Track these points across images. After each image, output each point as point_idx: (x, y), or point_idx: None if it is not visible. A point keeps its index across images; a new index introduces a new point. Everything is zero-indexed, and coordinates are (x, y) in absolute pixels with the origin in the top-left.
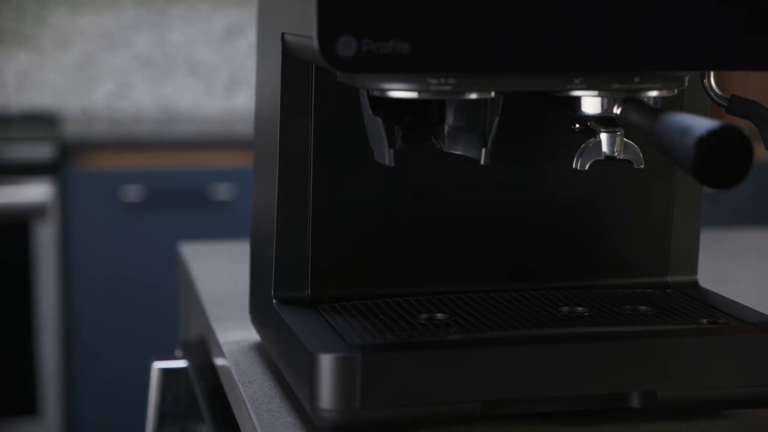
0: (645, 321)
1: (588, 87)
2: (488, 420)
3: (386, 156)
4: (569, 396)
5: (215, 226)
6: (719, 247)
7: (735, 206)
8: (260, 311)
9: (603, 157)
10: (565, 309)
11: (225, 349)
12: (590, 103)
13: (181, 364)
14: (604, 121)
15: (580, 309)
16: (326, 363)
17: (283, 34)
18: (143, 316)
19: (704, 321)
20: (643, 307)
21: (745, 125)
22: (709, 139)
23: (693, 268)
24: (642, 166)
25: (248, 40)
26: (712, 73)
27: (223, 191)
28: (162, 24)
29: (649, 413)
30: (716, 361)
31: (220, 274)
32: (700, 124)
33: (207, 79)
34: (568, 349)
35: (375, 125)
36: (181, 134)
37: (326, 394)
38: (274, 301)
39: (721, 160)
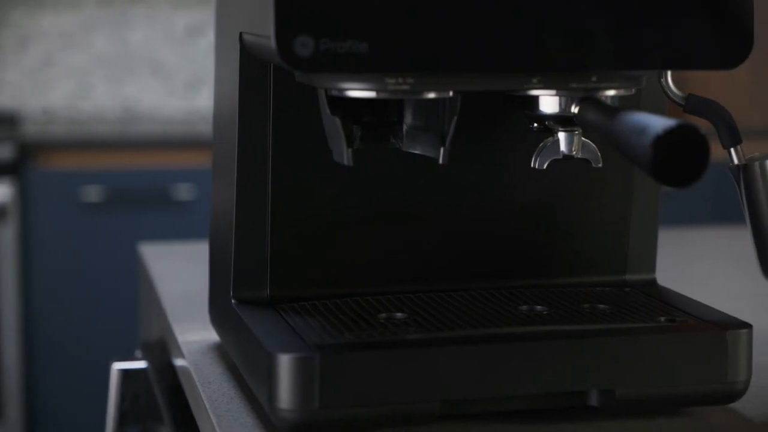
0: (603, 319)
1: (546, 86)
2: (448, 419)
3: (345, 156)
4: (528, 395)
5: (176, 227)
6: (678, 246)
7: (695, 205)
8: (219, 311)
9: (561, 156)
10: (524, 308)
11: (184, 349)
12: (548, 103)
13: (140, 364)
14: (562, 120)
15: (539, 308)
16: (285, 363)
17: (241, 33)
18: (103, 316)
19: (662, 319)
20: (601, 306)
21: (703, 124)
22: (666, 137)
23: (651, 267)
24: (600, 165)
25: (209, 39)
26: (669, 73)
27: (184, 191)
28: (122, 24)
29: (608, 411)
30: (674, 359)
31: (180, 275)
32: (658, 122)
33: (168, 79)
34: (527, 347)
35: (333, 125)
36: (142, 134)
37: (285, 394)
38: (233, 301)
39: (678, 159)
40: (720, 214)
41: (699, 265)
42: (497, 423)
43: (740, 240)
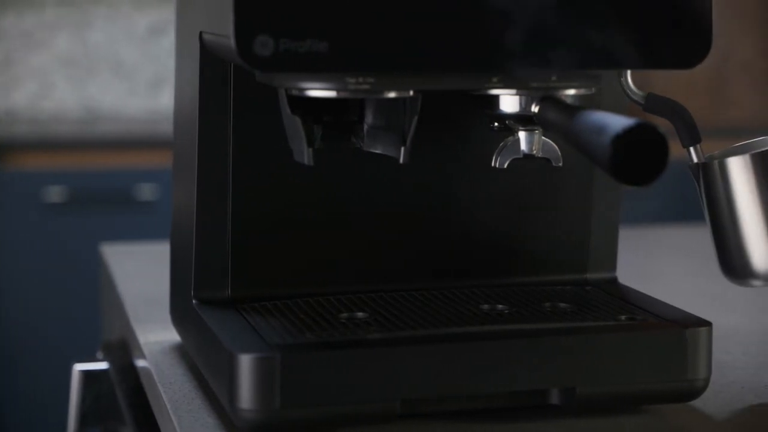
0: (564, 318)
1: (506, 86)
2: (409, 418)
3: (305, 155)
4: (489, 393)
5: (139, 227)
6: (640, 245)
7: (657, 204)
8: (180, 312)
9: (521, 156)
10: (486, 307)
11: (146, 350)
12: (508, 102)
13: (102, 366)
14: (523, 119)
15: (500, 306)
16: (245, 363)
17: (201, 33)
18: (65, 317)
19: (623, 317)
20: (562, 304)
21: (663, 123)
22: (624, 136)
23: (612, 265)
24: (560, 164)
25: (171, 39)
26: (628, 72)
27: (147, 191)
28: (84, 24)
29: (569, 410)
30: (634, 357)
31: (141, 275)
32: (617, 122)
33: (130, 79)
34: (488, 346)
35: (294, 124)
36: (104, 134)
37: (246, 394)
38: (194, 301)
39: (637, 158)
40: (683, 213)
41: (660, 263)
42: (459, 422)
43: (701, 238)
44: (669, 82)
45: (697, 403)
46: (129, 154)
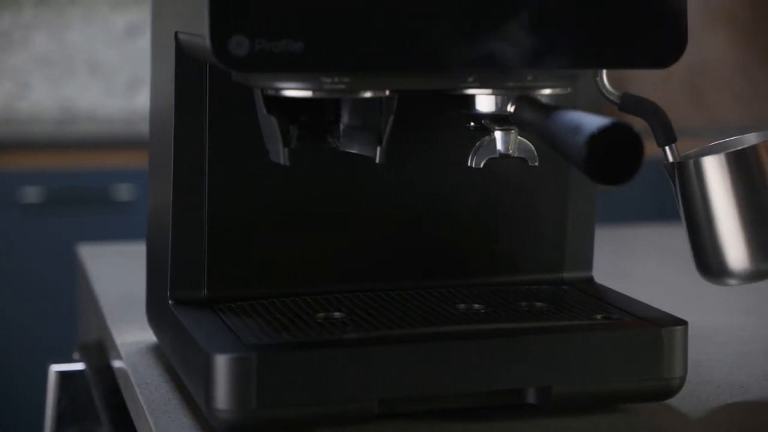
0: (540, 317)
1: (482, 85)
2: (386, 418)
3: (281, 155)
4: (466, 393)
5: (117, 227)
6: (616, 244)
7: (634, 203)
8: (157, 312)
9: (498, 155)
10: (462, 306)
11: (122, 351)
12: (484, 102)
13: (78, 366)
14: (498, 119)
15: (476, 306)
16: (221, 363)
17: (176, 33)
18: (42, 318)
19: (599, 317)
20: (538, 304)
21: (638, 122)
22: (600, 136)
23: (588, 265)
24: (536, 164)
25: (148, 39)
26: (604, 72)
27: (124, 192)
28: (61, 24)
29: (545, 409)
30: (610, 357)
31: (118, 276)
32: (592, 121)
33: (107, 79)
34: (465, 346)
35: (270, 125)
36: (81, 134)
37: (222, 395)
38: (170, 301)
39: (612, 157)
40: (660, 212)
41: (637, 262)
42: (436, 422)
43: (678, 238)
44: (646, 80)
45: (673, 402)
46: (106, 154)
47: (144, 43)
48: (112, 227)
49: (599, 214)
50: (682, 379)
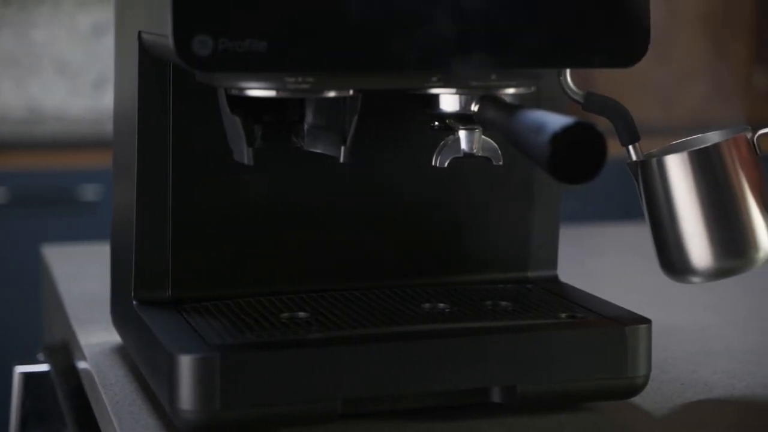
0: (505, 316)
1: (445, 85)
2: (351, 418)
3: (245, 155)
4: (431, 392)
5: (84, 228)
6: (582, 243)
7: (598, 202)
8: (121, 313)
9: (462, 155)
10: (427, 306)
11: (86, 351)
12: (448, 101)
13: (43, 368)
14: (463, 118)
15: (441, 305)
16: (185, 363)
17: (139, 32)
18: (6, 319)
19: (563, 315)
20: (503, 303)
21: (602, 122)
22: (562, 135)
23: (553, 264)
24: (501, 163)
25: None
26: (568, 71)
27: (90, 192)
28: (26, 23)
29: (510, 408)
30: (575, 355)
31: (83, 277)
32: (555, 120)
33: (74, 78)
34: (429, 345)
35: (234, 124)
36: (47, 134)
37: (186, 395)
38: (134, 302)
39: (575, 157)
40: (623, 211)
41: (602, 261)
42: (400, 421)
43: (642, 236)
44: (612, 79)
45: (637, 399)
46: (72, 154)
47: (110, 42)
48: (78, 227)
49: (564, 213)
50: (646, 377)
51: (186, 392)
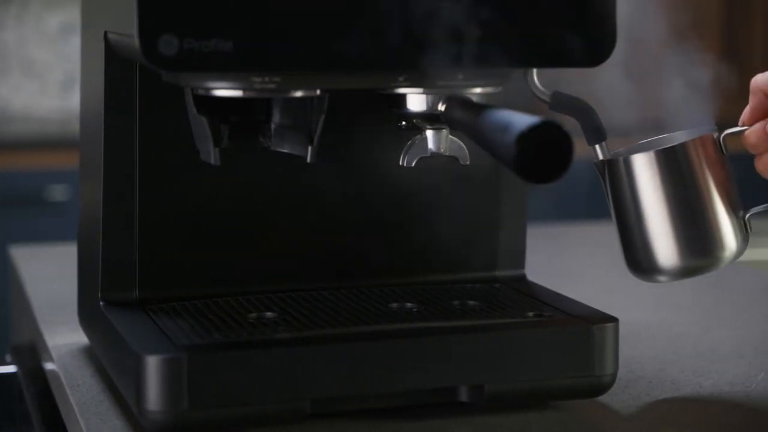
0: (472, 315)
1: (412, 84)
2: (319, 418)
3: (212, 155)
4: (398, 391)
5: (52, 228)
6: (550, 242)
7: (566, 201)
8: (88, 313)
9: (429, 154)
10: (395, 305)
11: (54, 353)
12: (415, 101)
13: (10, 369)
14: (429, 118)
15: (409, 305)
16: (152, 364)
17: (105, 32)
18: None
19: (531, 314)
20: (471, 302)
21: (569, 121)
22: (529, 135)
23: (520, 263)
24: (467, 163)
25: None
26: (534, 70)
27: (58, 192)
28: None
29: (478, 407)
30: (542, 354)
31: (50, 278)
32: (521, 120)
33: (42, 79)
34: (397, 344)
35: (200, 124)
36: (15, 135)
37: (153, 396)
38: (101, 303)
39: (541, 156)
40: (593, 210)
41: (570, 260)
42: (368, 421)
43: (610, 235)
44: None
45: (604, 398)
46: (40, 154)
47: (78, 42)
48: (46, 228)
49: (532, 212)
50: (614, 376)
51: (153, 393)
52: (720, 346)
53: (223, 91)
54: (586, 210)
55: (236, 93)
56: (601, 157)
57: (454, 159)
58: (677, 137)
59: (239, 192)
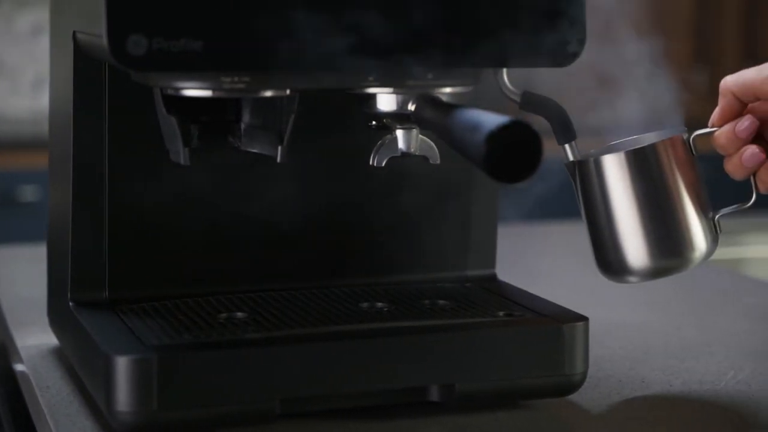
0: (443, 315)
1: (382, 84)
2: (289, 418)
3: (182, 155)
4: (369, 391)
5: (22, 229)
6: (521, 242)
7: (538, 201)
8: (58, 314)
9: (399, 154)
10: (365, 305)
11: (23, 354)
12: (385, 101)
13: None
14: (400, 117)
15: (379, 305)
16: (122, 365)
17: (74, 32)
18: None
19: (501, 314)
20: (441, 302)
21: (539, 121)
22: (498, 134)
23: (491, 262)
24: (438, 162)
25: None
26: (504, 70)
27: (30, 193)
28: None
29: (449, 406)
30: (512, 353)
31: (20, 278)
32: (491, 119)
33: (12, 79)
34: (367, 344)
35: (170, 124)
36: None
37: (123, 397)
38: (70, 303)
39: (511, 156)
40: (562, 210)
41: (540, 260)
42: (339, 420)
43: (581, 235)
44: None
45: (575, 397)
46: (11, 155)
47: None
48: (17, 229)
49: (502, 212)
50: (584, 375)
51: (123, 394)
52: (690, 344)
53: (193, 91)
54: (558, 210)
55: (206, 93)
56: (571, 157)
57: (424, 159)
58: (648, 138)
59: (209, 192)
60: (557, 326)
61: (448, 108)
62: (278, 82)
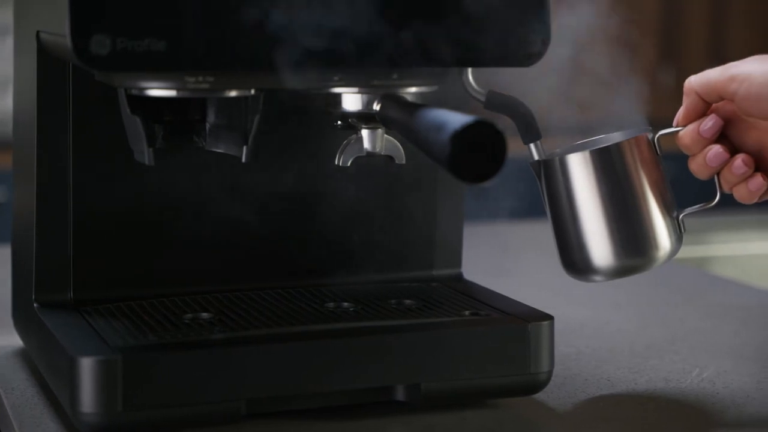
0: (409, 314)
1: (347, 84)
2: (255, 418)
3: (146, 155)
4: (334, 391)
5: None
6: (487, 241)
7: (505, 200)
8: (22, 315)
9: (365, 154)
10: (331, 305)
11: None
12: (350, 100)
13: None
14: (365, 117)
15: (345, 304)
16: (86, 366)
17: (38, 32)
18: None
19: (467, 313)
20: (407, 301)
21: (504, 121)
22: (462, 134)
23: (457, 261)
24: (403, 162)
25: None
26: (469, 70)
27: None
28: None
29: (415, 405)
30: (478, 352)
31: None
32: (455, 119)
33: None
34: (332, 344)
35: (134, 124)
36: None
37: (87, 398)
38: (35, 304)
39: (475, 155)
40: (527, 210)
41: (506, 259)
42: (305, 420)
43: (547, 234)
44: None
45: (541, 395)
46: None
47: (12, 43)
48: None
49: (469, 211)
50: (549, 373)
51: (87, 395)
52: (655, 343)
53: (157, 90)
54: (523, 209)
55: (170, 93)
56: (536, 156)
57: (389, 158)
58: (613, 138)
59: (174, 192)
60: (523, 325)
61: (413, 108)
62: (243, 81)
